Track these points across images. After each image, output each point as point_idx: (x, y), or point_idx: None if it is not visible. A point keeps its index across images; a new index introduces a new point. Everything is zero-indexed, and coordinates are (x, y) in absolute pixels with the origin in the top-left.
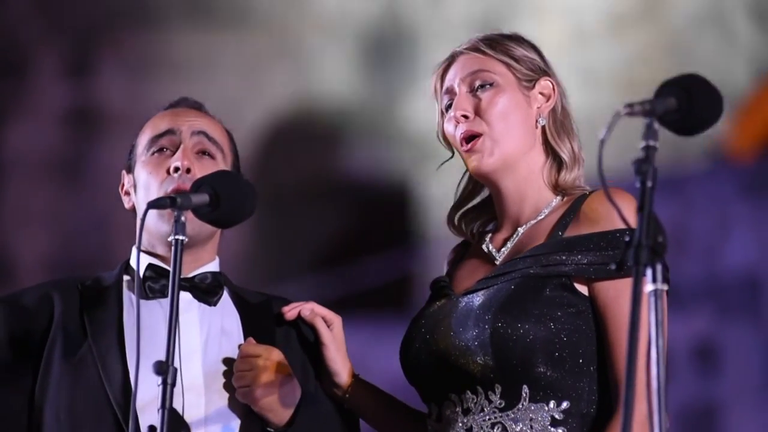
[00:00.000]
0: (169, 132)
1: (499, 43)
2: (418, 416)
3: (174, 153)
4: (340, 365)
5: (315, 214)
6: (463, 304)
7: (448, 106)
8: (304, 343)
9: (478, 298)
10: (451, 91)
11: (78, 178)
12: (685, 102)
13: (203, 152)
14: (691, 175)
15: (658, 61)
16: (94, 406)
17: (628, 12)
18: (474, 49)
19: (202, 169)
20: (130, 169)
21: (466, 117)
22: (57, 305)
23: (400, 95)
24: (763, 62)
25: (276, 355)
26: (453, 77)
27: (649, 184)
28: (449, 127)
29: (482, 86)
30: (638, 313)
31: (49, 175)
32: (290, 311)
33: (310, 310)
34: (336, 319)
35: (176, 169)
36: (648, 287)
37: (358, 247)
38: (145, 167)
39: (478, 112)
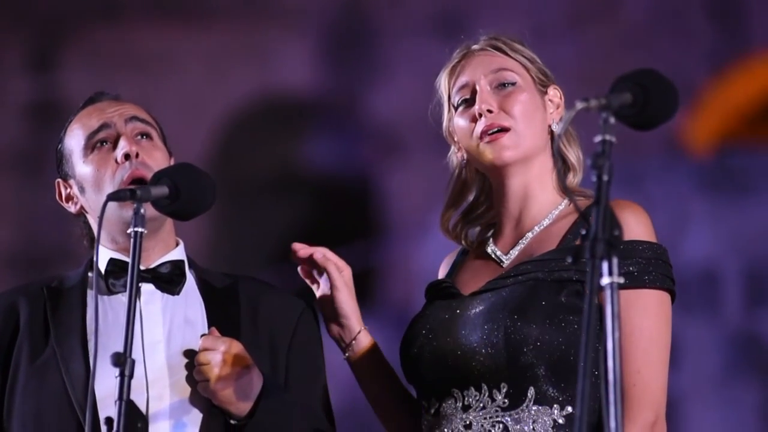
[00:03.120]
0: (104, 126)
1: (512, 44)
2: (408, 395)
3: (114, 145)
4: (351, 309)
5: (276, 206)
6: (472, 303)
7: (462, 101)
8: (272, 320)
9: (488, 299)
10: (467, 86)
11: (40, 172)
12: (641, 97)
13: (141, 135)
14: (649, 170)
15: (617, 56)
16: (58, 411)
17: (586, 7)
18: (494, 47)
19: (145, 150)
20: (66, 176)
21: (490, 111)
22: (22, 312)
23: (361, 89)
24: (720, 57)
25: (235, 347)
26: (472, 73)
27: (605, 178)
28: (462, 122)
29: (504, 84)
30: (594, 305)
31: (12, 168)
32: (302, 250)
33: (323, 254)
34: (346, 268)
35: (126, 156)
36: (604, 280)
37: (319, 239)
38: (89, 165)
39: (502, 107)
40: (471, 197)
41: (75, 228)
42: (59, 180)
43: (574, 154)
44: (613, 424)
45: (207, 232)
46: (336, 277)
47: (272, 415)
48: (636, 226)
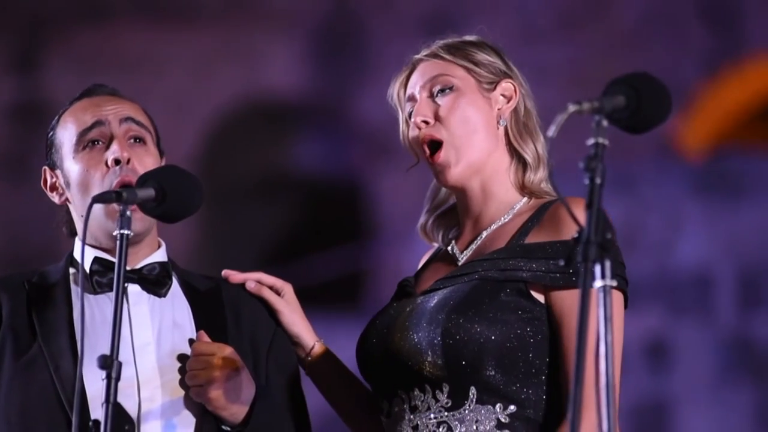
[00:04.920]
0: (98, 124)
1: (459, 49)
2: (372, 399)
3: (106, 144)
4: (301, 327)
5: (265, 209)
6: (420, 302)
7: (411, 113)
8: (254, 324)
9: (434, 298)
10: (412, 98)
11: (25, 173)
12: (634, 100)
13: (134, 138)
14: (643, 173)
15: (610, 58)
16: (46, 408)
17: (579, 10)
18: (433, 55)
19: (137, 156)
20: (54, 166)
21: (426, 123)
22: (4, 306)
23: (350, 91)
24: (714, 60)
25: (228, 352)
26: (414, 84)
27: (598, 181)
28: (413, 134)
29: (442, 91)
30: (587, 309)
31: None
32: (234, 276)
33: (256, 282)
34: (285, 286)
35: (117, 162)
36: (596, 283)
37: (308, 242)
38: (79, 163)
39: (438, 117)
40: (449, 203)
41: (58, 216)
42: (46, 167)
43: (530, 150)
44: (606, 426)
45: (193, 235)
46: (275, 301)
47: (266, 422)
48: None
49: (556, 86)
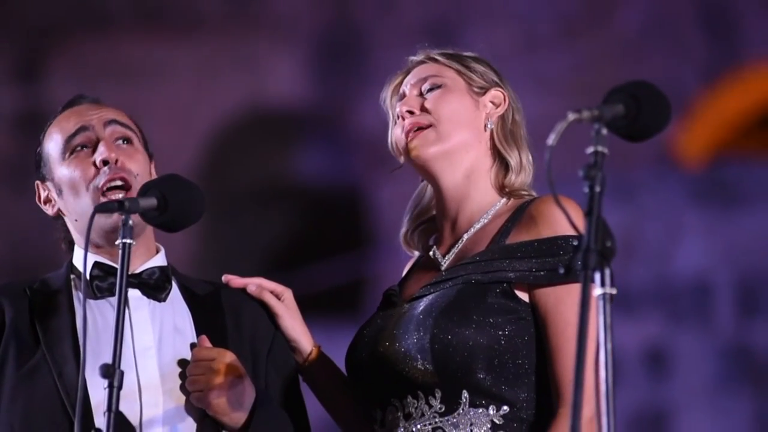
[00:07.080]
0: (82, 129)
1: (454, 55)
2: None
3: (92, 148)
4: (299, 333)
5: (267, 218)
6: (406, 310)
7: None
8: (254, 328)
9: (420, 304)
10: (402, 96)
11: (27, 183)
12: (633, 108)
13: (121, 139)
14: (642, 181)
15: (609, 67)
16: (50, 414)
17: (578, 18)
18: (428, 58)
19: (126, 155)
20: (44, 179)
21: (411, 113)
22: (7, 313)
23: (351, 100)
24: (713, 69)
25: (229, 357)
26: (405, 84)
27: (598, 189)
28: (397, 131)
29: (431, 89)
30: (587, 316)
31: None
32: (235, 281)
33: (257, 285)
34: (285, 291)
35: (105, 162)
36: (596, 291)
37: (309, 250)
38: (67, 169)
39: (423, 108)
40: (431, 213)
41: (56, 232)
42: (38, 182)
43: (514, 156)
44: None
45: (195, 243)
46: (275, 305)
47: (267, 427)
48: (577, 222)
49: (556, 94)
